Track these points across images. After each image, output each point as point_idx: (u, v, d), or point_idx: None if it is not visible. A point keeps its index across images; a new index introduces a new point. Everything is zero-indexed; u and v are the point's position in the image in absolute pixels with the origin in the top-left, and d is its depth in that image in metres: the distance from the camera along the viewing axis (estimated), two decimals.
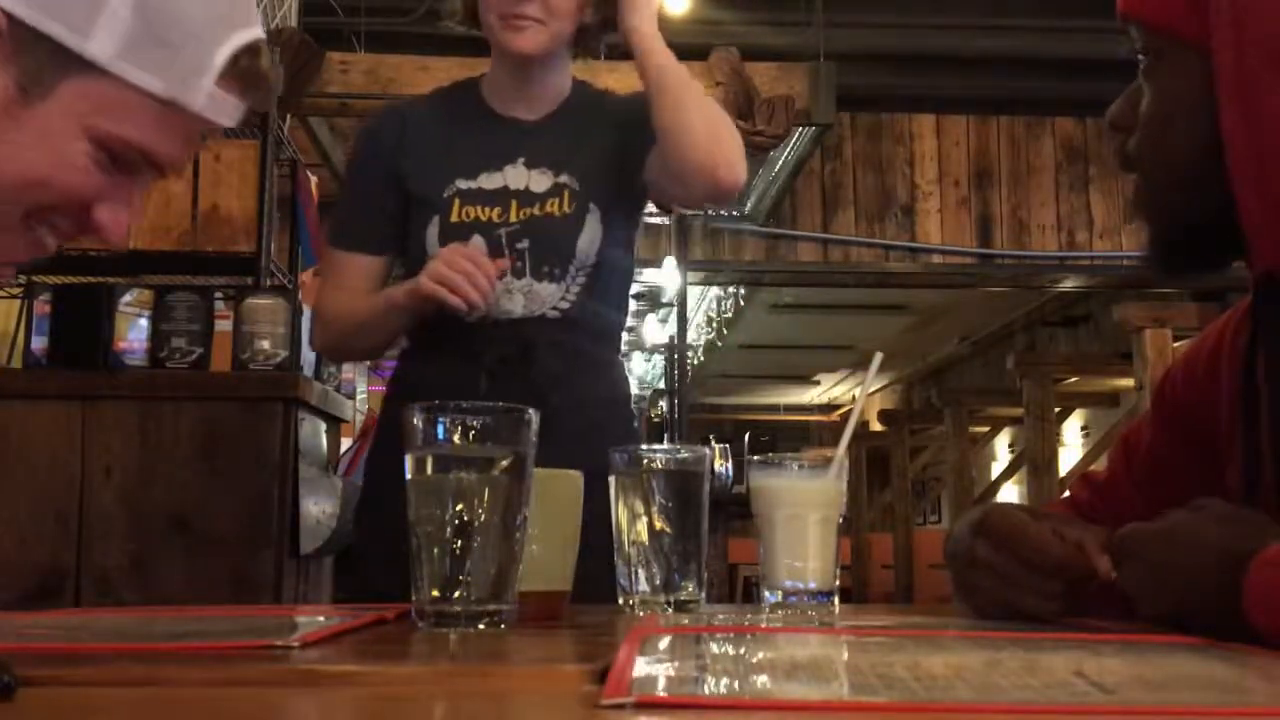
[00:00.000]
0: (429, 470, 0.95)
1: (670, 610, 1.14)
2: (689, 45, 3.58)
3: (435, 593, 0.93)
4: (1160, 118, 1.06)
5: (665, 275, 6.43)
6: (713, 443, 7.42)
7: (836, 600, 1.15)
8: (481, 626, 0.93)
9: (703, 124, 1.69)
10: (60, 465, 2.64)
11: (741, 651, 0.74)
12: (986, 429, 10.94)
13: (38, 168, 0.91)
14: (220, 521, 2.62)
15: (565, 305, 1.75)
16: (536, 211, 1.75)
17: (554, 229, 1.74)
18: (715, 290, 9.51)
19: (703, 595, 1.17)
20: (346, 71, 4.90)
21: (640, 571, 1.16)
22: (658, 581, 1.16)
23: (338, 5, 5.12)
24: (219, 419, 2.68)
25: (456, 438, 0.95)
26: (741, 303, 9.68)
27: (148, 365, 2.79)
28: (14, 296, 3.24)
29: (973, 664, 0.68)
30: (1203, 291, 6.17)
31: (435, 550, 0.93)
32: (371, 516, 1.82)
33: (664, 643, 0.74)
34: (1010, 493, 10.48)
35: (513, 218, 1.75)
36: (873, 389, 12.41)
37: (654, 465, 1.17)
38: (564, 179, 1.77)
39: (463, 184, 1.77)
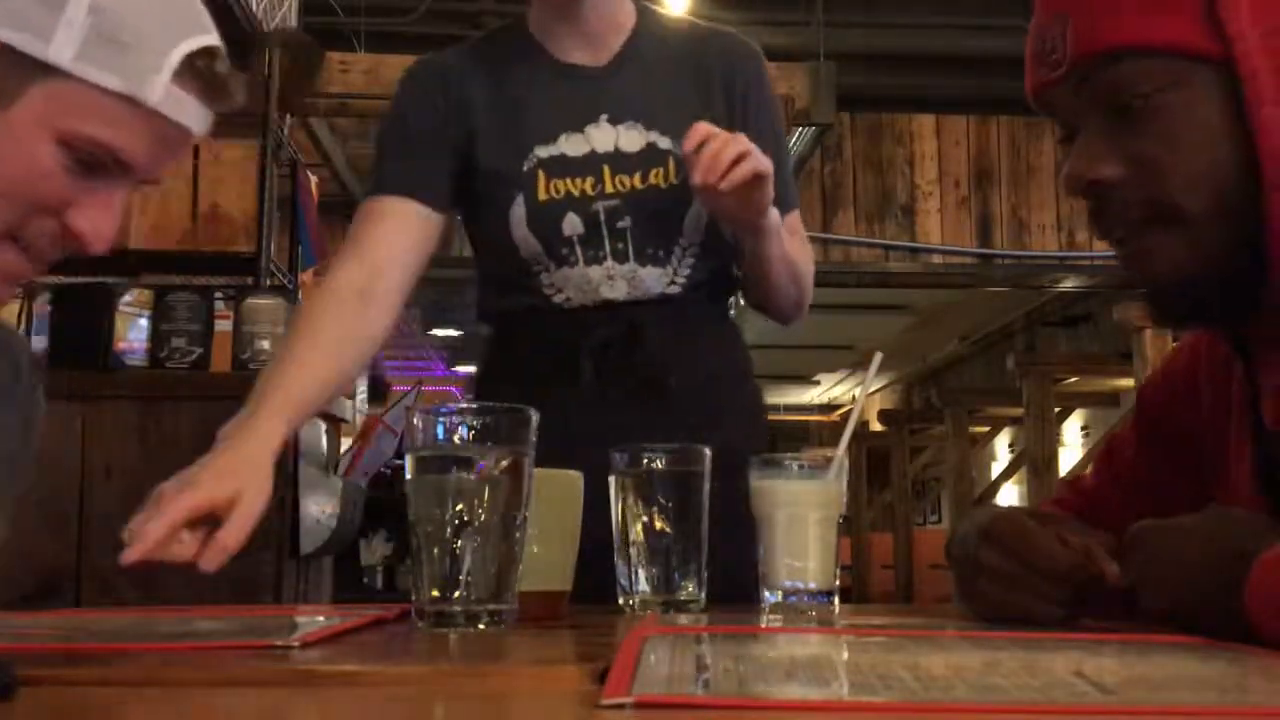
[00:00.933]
0: (429, 470, 0.95)
1: (670, 610, 1.14)
2: None
3: (435, 593, 0.93)
4: (1191, 150, 0.95)
5: None
6: None
7: (836, 600, 1.15)
8: (481, 626, 0.93)
9: (793, 296, 1.59)
10: (60, 465, 2.64)
11: (741, 651, 0.74)
12: (986, 429, 10.95)
13: (7, 174, 0.93)
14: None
15: (674, 290, 1.54)
16: (638, 183, 1.52)
17: (660, 204, 1.51)
18: None
19: (703, 595, 1.17)
20: (346, 71, 4.90)
21: (640, 571, 1.16)
22: (658, 581, 1.16)
23: (338, 5, 5.12)
24: (219, 419, 2.66)
25: (456, 438, 0.95)
26: (741, 302, 9.67)
27: (148, 365, 2.79)
28: (14, 296, 3.24)
29: (973, 664, 0.68)
30: None
31: (435, 550, 0.93)
32: None
33: (664, 643, 0.74)
34: (1010, 493, 10.48)
35: (609, 188, 1.52)
36: (873, 389, 12.41)
37: (654, 465, 1.17)
38: (661, 139, 1.53)
39: (543, 151, 1.53)
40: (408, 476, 0.96)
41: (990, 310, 9.81)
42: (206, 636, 0.86)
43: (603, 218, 1.52)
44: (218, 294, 2.97)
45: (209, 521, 1.11)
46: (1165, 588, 0.91)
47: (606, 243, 1.52)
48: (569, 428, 1.31)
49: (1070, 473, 7.42)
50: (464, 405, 0.97)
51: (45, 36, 0.91)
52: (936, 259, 6.59)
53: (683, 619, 1.09)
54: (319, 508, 2.85)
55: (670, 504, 1.16)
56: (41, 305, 2.82)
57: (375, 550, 4.73)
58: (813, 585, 1.14)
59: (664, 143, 1.53)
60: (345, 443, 3.48)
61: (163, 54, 0.96)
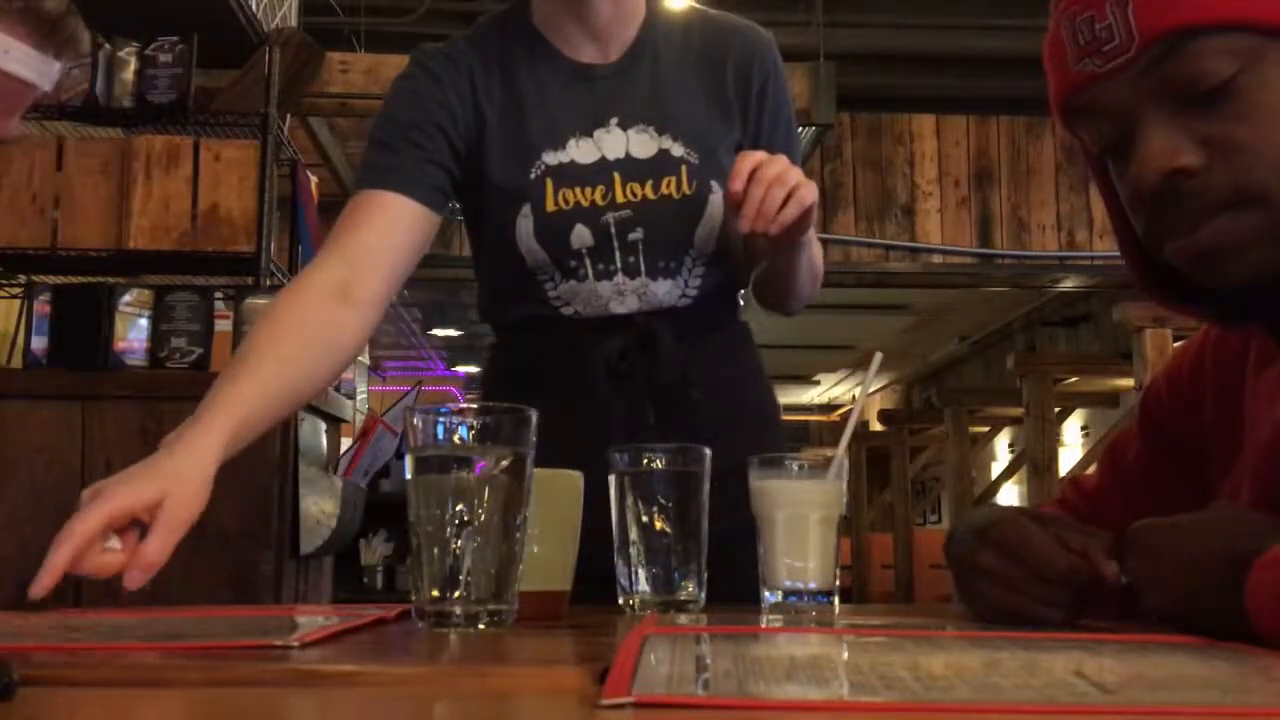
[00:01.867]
0: (429, 470, 0.95)
1: (670, 610, 1.14)
2: None
3: (435, 593, 0.93)
4: (1275, 129, 0.90)
5: None
6: None
7: (836, 600, 1.15)
8: (481, 626, 0.93)
9: (809, 293, 1.58)
10: (60, 465, 2.64)
11: (741, 651, 0.74)
12: (986, 429, 10.94)
13: None
14: (220, 521, 2.62)
15: (685, 302, 1.51)
16: (650, 193, 1.46)
17: (672, 215, 1.46)
18: None
19: (703, 595, 1.17)
20: (346, 71, 4.90)
21: (640, 571, 1.16)
22: (658, 581, 1.16)
23: (338, 5, 5.12)
24: None
25: (456, 438, 0.95)
26: (742, 302, 9.67)
27: (148, 365, 2.79)
28: (14, 296, 3.24)
29: (973, 664, 0.68)
30: None
31: (435, 550, 0.93)
32: None
33: (664, 643, 0.74)
34: (1010, 493, 10.48)
35: (620, 198, 1.46)
36: (873, 389, 12.41)
37: (654, 465, 1.17)
38: (674, 145, 1.48)
39: (550, 158, 1.47)
40: (408, 476, 0.96)
41: (990, 310, 9.81)
42: (206, 636, 0.86)
43: (613, 229, 1.47)
44: (218, 294, 2.97)
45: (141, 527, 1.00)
46: (1165, 587, 0.91)
47: (617, 256, 1.47)
48: (582, 434, 1.30)
49: (1071, 472, 7.42)
50: (464, 405, 0.97)
51: None
52: (936, 259, 6.59)
53: (683, 619, 1.09)
54: (319, 508, 2.85)
55: (670, 504, 1.16)
56: (41, 305, 2.82)
57: (375, 550, 4.73)
58: (813, 585, 1.14)
59: (677, 149, 1.49)
60: (345, 443, 3.48)
61: None
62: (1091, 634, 0.88)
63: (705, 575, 1.18)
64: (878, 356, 1.30)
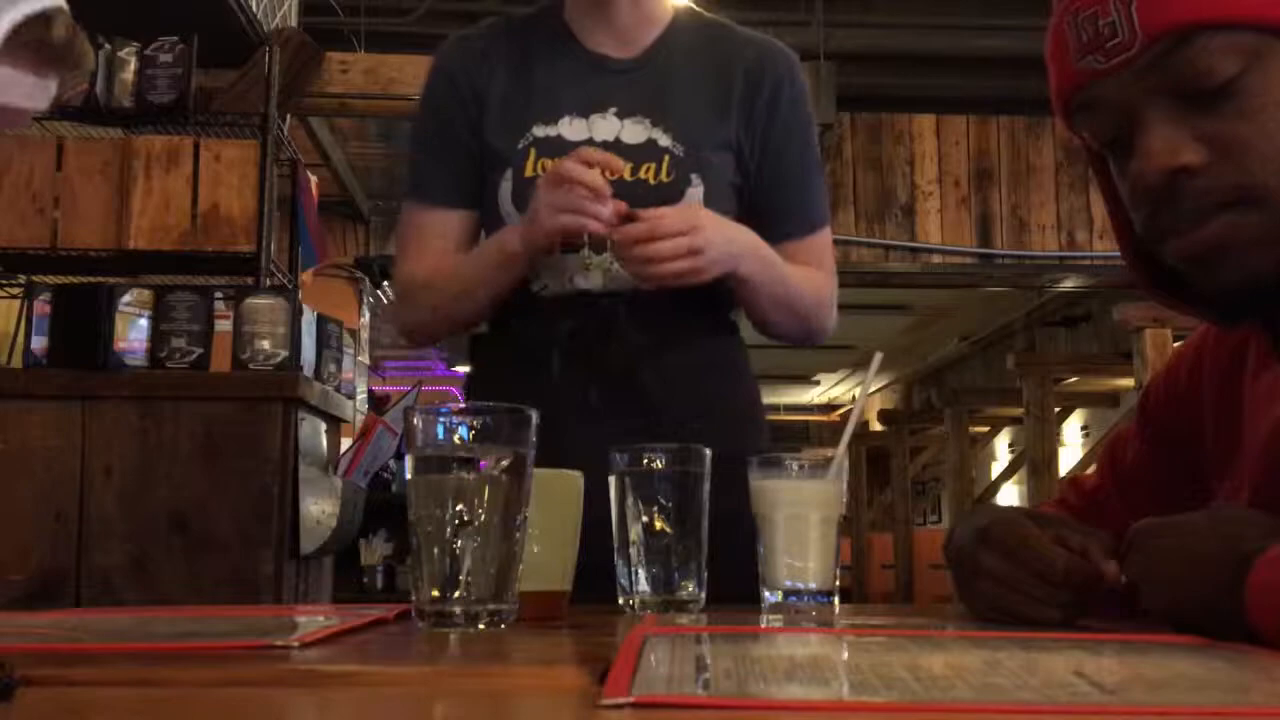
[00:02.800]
0: (429, 470, 0.95)
1: (670, 610, 1.14)
2: None
3: (435, 593, 0.93)
4: (1277, 128, 0.90)
5: None
6: None
7: (836, 600, 1.15)
8: (481, 626, 0.93)
9: (790, 329, 1.61)
10: (60, 465, 2.64)
11: (741, 651, 0.74)
12: (986, 429, 10.96)
13: None
14: (220, 521, 2.62)
15: (649, 286, 1.52)
16: (627, 175, 1.49)
17: (645, 200, 1.48)
18: None
19: (703, 595, 1.17)
20: (346, 71, 4.90)
21: (640, 571, 1.16)
22: (658, 581, 1.16)
23: (338, 5, 5.12)
24: (219, 419, 2.68)
25: (456, 438, 0.95)
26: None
27: (148, 365, 2.79)
28: (14, 296, 3.24)
29: (973, 664, 0.68)
30: None
31: (435, 550, 0.93)
32: None
33: (664, 642, 0.74)
34: (1010, 493, 10.49)
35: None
36: (873, 389, 12.41)
37: (654, 465, 1.17)
38: (663, 137, 1.53)
39: (540, 131, 1.54)
40: (408, 476, 0.96)
41: (990, 310, 9.81)
42: (206, 636, 0.86)
43: None
44: (218, 294, 2.97)
45: None
46: (1165, 587, 0.91)
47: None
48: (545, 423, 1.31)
49: (1071, 472, 7.42)
50: (464, 405, 0.97)
51: None
52: (936, 259, 6.59)
53: (683, 619, 1.09)
54: (319, 508, 2.85)
55: (670, 504, 1.16)
56: (41, 305, 2.82)
57: (375, 550, 4.73)
58: (813, 585, 1.14)
59: (664, 140, 1.53)
60: (345, 443, 3.48)
61: None
62: (1091, 634, 0.88)
63: (705, 575, 1.18)
64: (878, 356, 1.30)
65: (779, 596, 1.14)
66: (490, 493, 0.94)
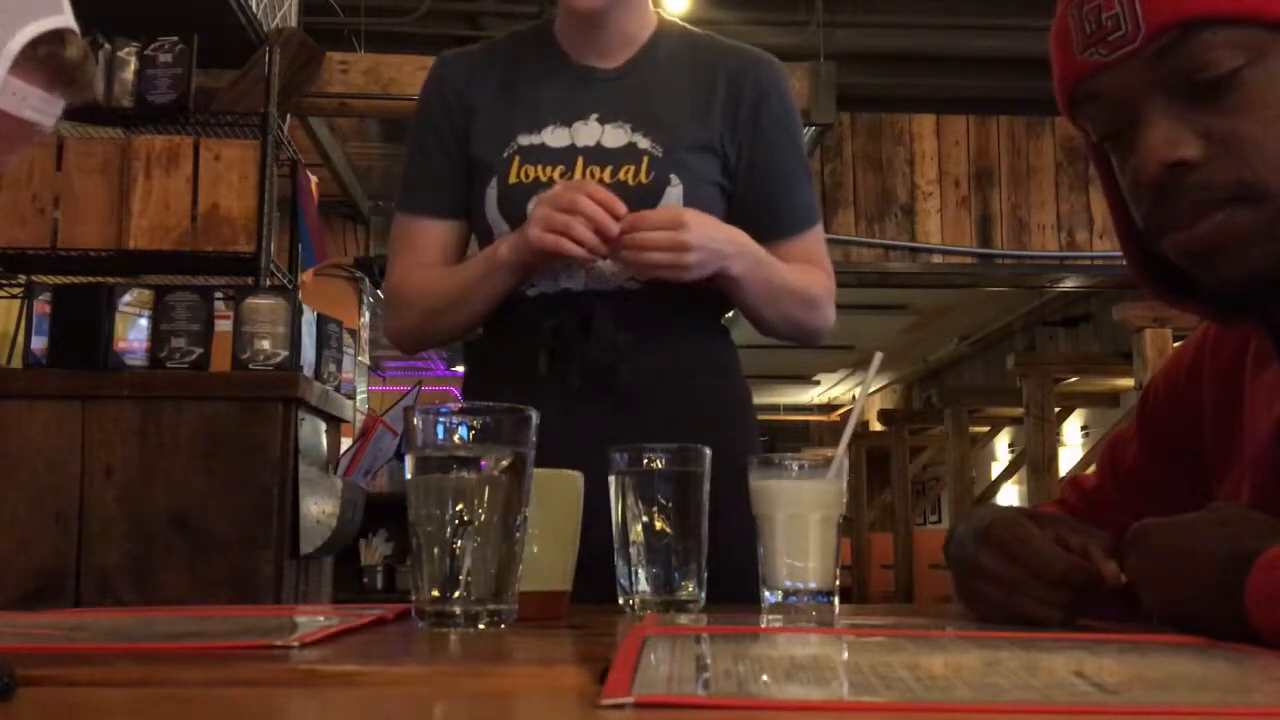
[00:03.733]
0: (429, 470, 0.95)
1: (670, 610, 1.14)
2: None
3: (435, 593, 0.93)
4: (1277, 122, 0.90)
5: None
6: None
7: (836, 600, 1.15)
8: (481, 626, 0.93)
9: (781, 329, 1.63)
10: (60, 465, 2.64)
11: (741, 651, 0.74)
12: (986, 429, 10.95)
13: None
14: (220, 521, 2.62)
15: (633, 285, 1.56)
16: (607, 177, 1.55)
17: (627, 201, 1.50)
18: None
19: (702, 595, 1.17)
20: (346, 71, 4.90)
21: (640, 571, 1.16)
22: (658, 581, 1.16)
23: (338, 5, 5.12)
24: (219, 419, 2.68)
25: (456, 438, 0.95)
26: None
27: (148, 365, 2.79)
28: (14, 296, 3.24)
29: (973, 664, 0.68)
30: None
31: (435, 550, 0.93)
32: None
33: (664, 642, 0.74)
34: (1010, 493, 10.49)
35: (577, 176, 1.55)
36: (873, 389, 12.41)
37: (654, 465, 1.17)
38: (643, 140, 1.57)
39: (525, 140, 1.59)
40: (408, 476, 0.96)
41: (990, 310, 9.81)
42: (206, 636, 0.86)
43: None
44: (218, 294, 2.97)
45: None
46: (1165, 587, 0.90)
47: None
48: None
49: (1071, 472, 7.42)
50: (464, 405, 0.97)
51: None
52: (936, 259, 6.59)
53: (683, 619, 1.09)
54: (319, 508, 2.85)
55: (670, 504, 1.16)
56: (41, 305, 2.82)
57: (375, 550, 4.73)
58: (813, 585, 1.14)
59: (644, 143, 1.57)
60: (345, 443, 3.48)
61: (1, 41, 0.86)
62: (1091, 634, 0.88)
63: (705, 575, 1.18)
64: (878, 356, 1.30)
65: (779, 596, 1.14)
66: (490, 493, 0.94)
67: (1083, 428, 10.07)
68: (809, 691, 0.60)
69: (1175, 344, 5.12)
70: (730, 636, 0.84)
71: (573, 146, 1.57)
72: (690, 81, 1.62)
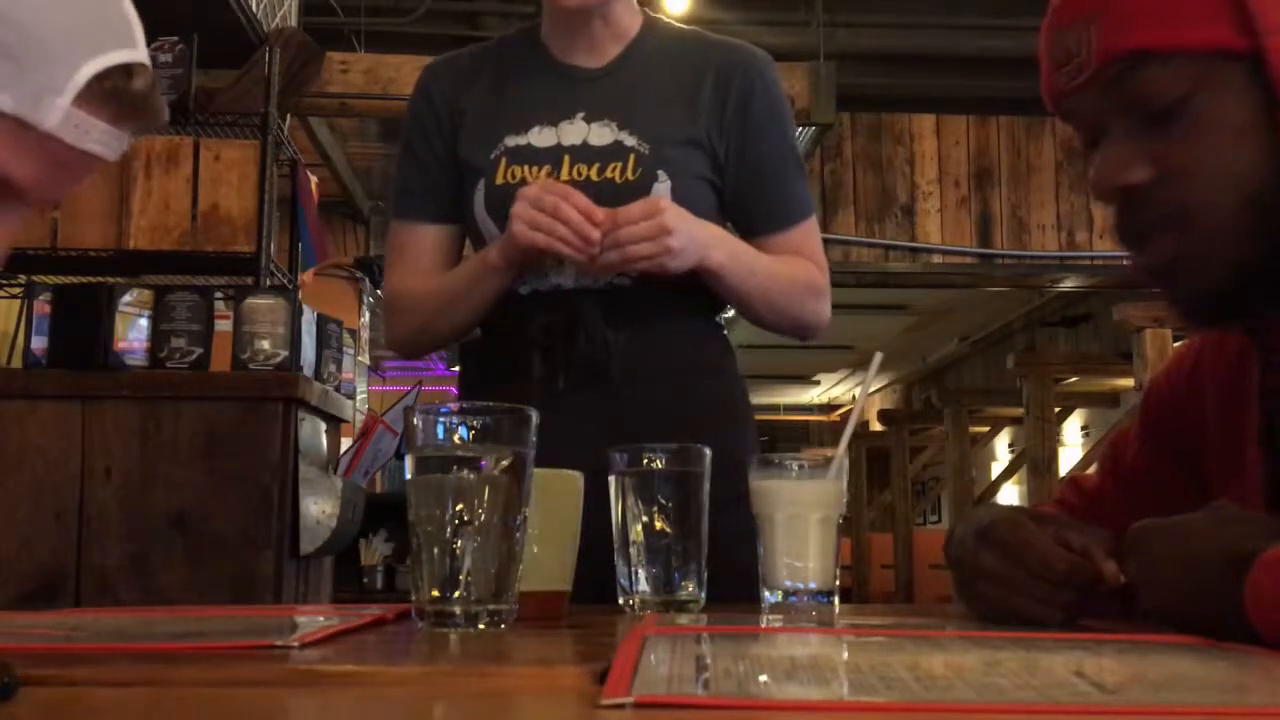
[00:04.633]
0: (429, 470, 0.95)
1: (670, 610, 1.14)
2: None
3: (435, 593, 0.93)
4: (1216, 141, 0.94)
5: None
6: None
7: (836, 600, 1.15)
8: (481, 626, 0.93)
9: (771, 321, 1.63)
10: (60, 465, 2.64)
11: (741, 651, 0.74)
12: (986, 429, 10.96)
13: None
14: (220, 521, 2.62)
15: (624, 282, 1.55)
16: (594, 175, 1.55)
17: (612, 198, 1.50)
18: None
19: (702, 595, 1.17)
20: (346, 71, 4.90)
21: (640, 571, 1.16)
22: (658, 581, 1.16)
23: (338, 5, 5.12)
24: (219, 419, 2.68)
25: (456, 438, 0.95)
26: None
27: (148, 365, 2.79)
28: (14, 296, 3.24)
29: (973, 664, 0.68)
30: None
31: (435, 550, 0.93)
32: None
33: (664, 643, 0.74)
34: (1010, 493, 10.49)
35: (564, 176, 1.55)
36: (873, 389, 12.41)
37: (654, 465, 1.17)
38: (629, 137, 1.57)
39: (511, 140, 1.59)
40: (408, 476, 0.96)
41: (990, 310, 9.81)
42: (206, 636, 0.86)
43: None
44: (218, 294, 2.96)
45: None
46: (1165, 587, 0.90)
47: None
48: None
49: (1071, 472, 7.42)
50: (463, 405, 0.97)
51: None
52: (936, 259, 6.59)
53: (683, 619, 1.09)
54: (319, 508, 2.85)
55: (670, 504, 1.16)
56: (41, 305, 2.82)
57: (375, 550, 4.72)
58: (813, 585, 1.14)
59: (630, 140, 1.57)
60: (345, 443, 3.48)
61: (66, 73, 0.86)
62: (1091, 634, 0.88)
63: (705, 575, 1.18)
64: (878, 356, 1.30)
65: (779, 596, 1.14)
66: (490, 493, 0.94)
67: (1083, 428, 10.07)
68: (809, 691, 0.60)
69: (1175, 344, 5.12)
70: (730, 636, 0.84)
71: (559, 146, 1.58)
72: (676, 77, 1.62)
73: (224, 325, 2.86)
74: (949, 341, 11.16)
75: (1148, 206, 0.97)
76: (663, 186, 1.55)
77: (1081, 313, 9.03)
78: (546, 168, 1.56)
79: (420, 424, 0.96)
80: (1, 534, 2.60)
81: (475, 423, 0.96)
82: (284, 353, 2.80)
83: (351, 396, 3.32)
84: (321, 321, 3.06)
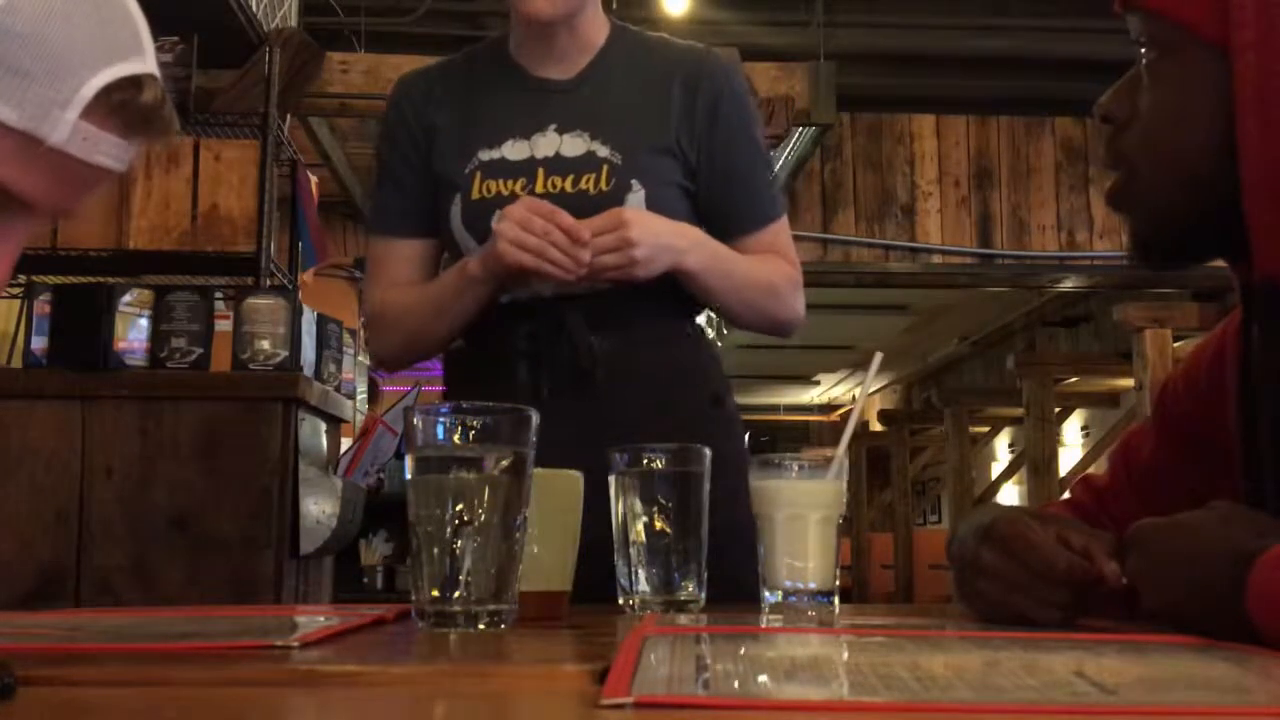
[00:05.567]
0: (429, 470, 0.95)
1: (670, 610, 1.14)
2: None
3: (435, 593, 0.93)
4: (1169, 114, 1.02)
5: None
6: None
7: (836, 600, 1.15)
8: (481, 626, 0.93)
9: (748, 319, 1.65)
10: (60, 465, 2.64)
11: (741, 651, 0.74)
12: (986, 429, 10.95)
13: None
14: (220, 521, 2.62)
15: (604, 288, 1.55)
16: (569, 187, 1.57)
17: (588, 208, 1.52)
18: None
19: (702, 595, 1.17)
20: (346, 71, 4.90)
21: (640, 571, 1.16)
22: (658, 581, 1.16)
23: (338, 5, 5.12)
24: (219, 419, 2.67)
25: (456, 438, 0.95)
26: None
27: (148, 365, 2.79)
28: (14, 296, 3.24)
29: (973, 664, 0.68)
30: (1203, 291, 6.18)
31: (435, 550, 0.93)
32: None
33: (664, 643, 0.74)
34: (1010, 493, 10.49)
35: (539, 189, 1.57)
36: (873, 389, 12.42)
37: (654, 465, 1.17)
38: (601, 148, 1.58)
39: (485, 155, 1.61)
40: (408, 476, 0.96)
41: (990, 310, 9.81)
42: (206, 636, 0.86)
43: None
44: (218, 294, 2.96)
45: None
46: (1165, 587, 0.90)
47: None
48: None
49: (1071, 472, 7.43)
50: (463, 405, 0.97)
51: None
52: (936, 259, 6.59)
53: (683, 619, 1.09)
54: (319, 508, 2.85)
55: (670, 504, 1.16)
56: (41, 305, 2.82)
57: (375, 550, 4.72)
58: (813, 585, 1.14)
59: (603, 151, 1.59)
60: (345, 443, 3.47)
61: (74, 86, 0.85)
62: (1091, 634, 0.88)
63: (705, 575, 1.18)
64: (878, 356, 1.30)
65: (779, 596, 1.14)
66: (490, 493, 0.94)
67: (1083, 428, 10.07)
68: (809, 691, 0.60)
69: (1175, 344, 5.12)
70: (730, 636, 0.84)
71: (532, 159, 1.59)
72: (645, 85, 1.64)
73: (224, 325, 2.86)
74: (949, 342, 11.16)
75: (1112, 141, 1.07)
76: (636, 196, 1.57)
77: (1081, 313, 9.03)
78: (521, 180, 1.58)
79: (420, 424, 0.96)
80: (1, 534, 2.60)
81: (475, 423, 0.96)
82: (284, 353, 2.80)
83: (351, 396, 3.32)
84: (321, 321, 3.06)
